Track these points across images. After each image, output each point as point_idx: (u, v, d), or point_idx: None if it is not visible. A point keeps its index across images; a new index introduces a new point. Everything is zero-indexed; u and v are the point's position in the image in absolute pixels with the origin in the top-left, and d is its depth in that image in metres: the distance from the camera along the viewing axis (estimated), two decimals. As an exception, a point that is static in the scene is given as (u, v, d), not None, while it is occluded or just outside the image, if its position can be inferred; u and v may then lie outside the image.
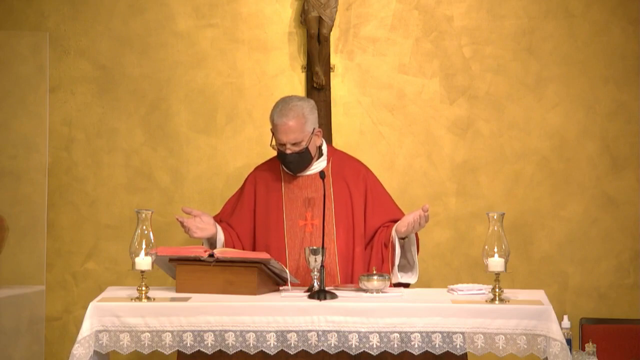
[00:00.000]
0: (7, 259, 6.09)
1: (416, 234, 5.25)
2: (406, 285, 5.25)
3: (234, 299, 4.76)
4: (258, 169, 5.46)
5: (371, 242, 5.29)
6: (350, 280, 5.21)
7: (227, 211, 5.42)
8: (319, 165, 5.35)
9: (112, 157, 6.23)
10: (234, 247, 5.27)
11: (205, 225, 5.23)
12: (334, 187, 5.31)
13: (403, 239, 5.21)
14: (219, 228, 5.29)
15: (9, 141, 6.16)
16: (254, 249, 5.29)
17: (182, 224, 5.19)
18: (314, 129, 5.26)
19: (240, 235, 5.34)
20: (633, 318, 6.15)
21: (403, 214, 5.29)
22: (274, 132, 5.24)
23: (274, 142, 5.25)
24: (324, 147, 5.39)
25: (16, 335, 5.99)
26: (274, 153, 5.35)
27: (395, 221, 5.24)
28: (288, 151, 5.22)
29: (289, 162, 5.25)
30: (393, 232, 5.19)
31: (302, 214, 5.28)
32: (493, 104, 6.23)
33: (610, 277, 6.22)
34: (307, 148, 5.23)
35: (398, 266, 5.23)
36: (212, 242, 5.30)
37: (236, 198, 5.43)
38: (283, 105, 5.25)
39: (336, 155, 5.42)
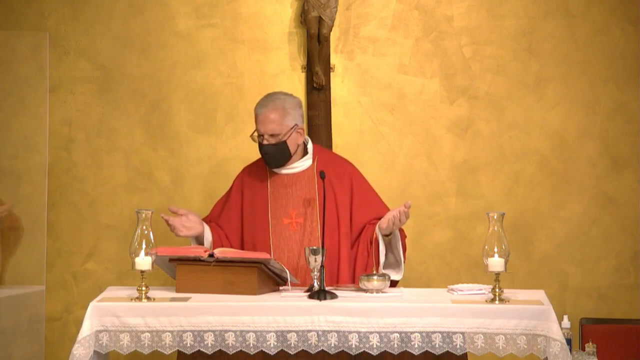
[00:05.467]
0: (7, 259, 6.09)
1: (402, 231, 5.24)
2: (394, 283, 5.23)
3: (234, 299, 4.76)
4: (246, 169, 5.49)
5: (358, 240, 5.30)
6: (336, 279, 5.21)
7: (216, 212, 5.44)
8: (303, 163, 5.36)
9: (112, 157, 6.23)
10: (222, 246, 5.28)
11: (191, 224, 5.24)
12: (319, 187, 5.31)
13: (388, 235, 5.21)
14: (207, 227, 5.30)
15: (9, 141, 6.16)
16: (242, 248, 5.30)
17: (167, 222, 5.20)
18: (295, 125, 5.27)
19: (229, 234, 5.35)
20: (633, 318, 6.15)
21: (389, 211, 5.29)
22: (255, 122, 5.27)
23: (255, 134, 5.27)
24: (310, 146, 5.40)
25: (16, 335, 5.99)
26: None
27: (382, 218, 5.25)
28: (265, 142, 5.24)
29: (264, 154, 5.27)
30: (376, 229, 5.20)
31: (287, 212, 5.29)
32: (493, 104, 6.23)
33: (610, 277, 6.22)
34: (284, 142, 5.25)
35: (387, 263, 5.24)
36: (200, 242, 5.31)
37: (224, 199, 5.45)
38: (267, 97, 5.32)
39: (322, 155, 5.43)
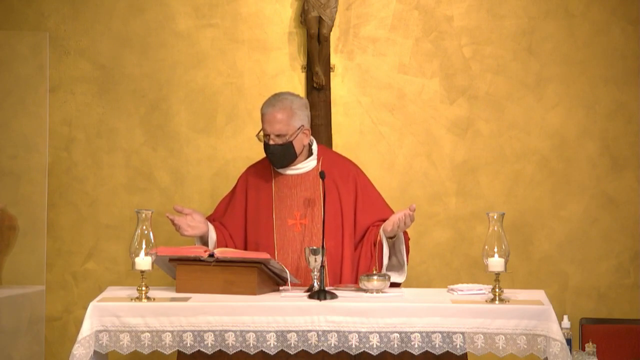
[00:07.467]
0: (7, 259, 6.08)
1: (406, 233, 5.24)
2: (396, 285, 5.23)
3: (234, 299, 4.76)
4: (250, 168, 5.49)
5: (361, 241, 5.29)
6: (339, 280, 5.21)
7: (220, 211, 5.44)
8: (308, 164, 5.36)
9: (112, 157, 6.24)
10: (226, 246, 5.28)
11: (196, 224, 5.24)
12: (323, 188, 5.31)
13: (392, 238, 5.21)
14: (211, 227, 5.30)
15: (9, 141, 6.16)
16: (245, 248, 5.30)
17: (172, 221, 5.20)
18: (302, 126, 5.27)
19: (233, 234, 5.35)
20: (633, 318, 6.15)
21: (393, 213, 5.29)
22: (262, 121, 5.27)
23: (261, 133, 5.27)
24: (315, 147, 5.40)
25: (16, 335, 5.99)
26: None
27: (386, 220, 5.24)
28: (271, 142, 5.24)
29: (270, 154, 5.27)
30: (380, 232, 5.20)
31: (292, 213, 5.29)
32: (493, 104, 6.23)
33: (610, 277, 6.22)
34: (290, 143, 5.25)
35: (390, 265, 5.23)
36: (204, 241, 5.31)
37: (229, 198, 5.45)
38: (274, 97, 5.32)
39: (327, 155, 5.43)
